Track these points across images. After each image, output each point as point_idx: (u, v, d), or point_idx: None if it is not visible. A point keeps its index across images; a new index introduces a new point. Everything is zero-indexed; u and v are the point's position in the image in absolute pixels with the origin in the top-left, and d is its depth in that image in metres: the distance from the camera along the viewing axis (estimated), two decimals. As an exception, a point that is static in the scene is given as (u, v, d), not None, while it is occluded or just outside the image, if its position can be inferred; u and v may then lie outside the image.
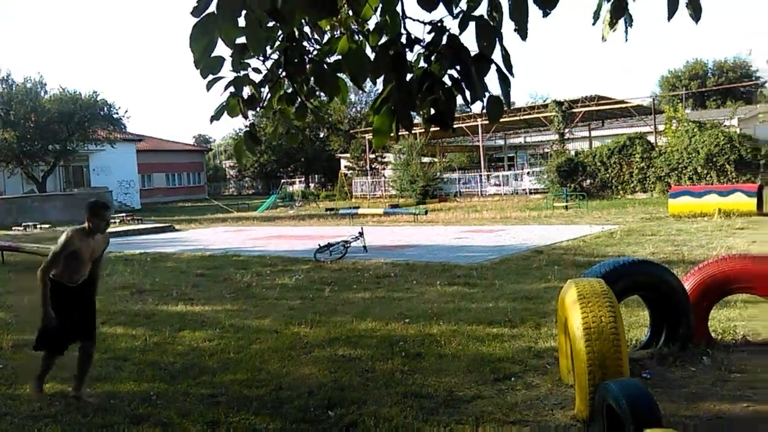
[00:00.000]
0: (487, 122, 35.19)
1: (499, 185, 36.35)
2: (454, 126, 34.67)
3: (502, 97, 2.26)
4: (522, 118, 35.47)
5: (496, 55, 2.20)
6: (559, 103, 32.42)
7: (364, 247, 13.26)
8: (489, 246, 13.85)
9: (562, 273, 9.25)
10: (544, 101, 37.01)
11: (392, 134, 2.31)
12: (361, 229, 14.06)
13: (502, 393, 4.64)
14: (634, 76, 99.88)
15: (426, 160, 39.75)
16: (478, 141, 37.65)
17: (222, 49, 2.36)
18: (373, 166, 43.97)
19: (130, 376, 5.43)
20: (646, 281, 5.13)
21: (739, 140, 26.28)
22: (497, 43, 2.19)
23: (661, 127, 30.87)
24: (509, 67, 2.22)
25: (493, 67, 2.22)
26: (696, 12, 2.36)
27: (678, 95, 40.01)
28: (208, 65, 2.42)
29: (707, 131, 26.99)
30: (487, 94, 2.27)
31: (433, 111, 2.29)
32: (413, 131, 24.05)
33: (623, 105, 33.55)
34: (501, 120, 31.41)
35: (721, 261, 5.47)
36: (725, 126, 28.85)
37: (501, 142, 45.37)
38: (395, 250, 13.71)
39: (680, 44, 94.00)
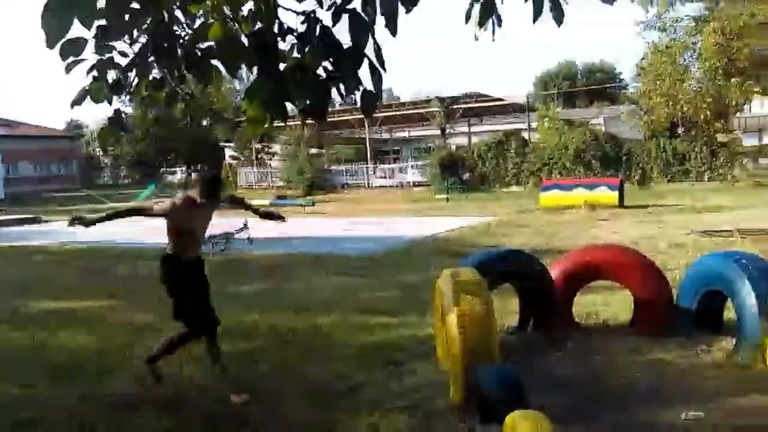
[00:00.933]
0: (375, 115, 35.55)
1: (385, 177, 36.84)
2: (343, 119, 34.77)
3: (374, 91, 2.28)
4: (406, 112, 36.20)
5: (369, 50, 2.22)
6: (442, 100, 33.38)
7: (249, 238, 12.98)
8: (376, 237, 14.03)
9: (443, 263, 9.50)
10: (428, 97, 37.92)
11: (266, 124, 2.27)
12: (245, 220, 13.74)
13: (388, 380, 4.73)
14: (512, 76, 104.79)
15: (314, 151, 39.55)
16: (365, 134, 37.98)
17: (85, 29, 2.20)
18: (259, 156, 43.11)
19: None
20: (517, 270, 5.41)
21: (604, 138, 28.32)
22: (370, 37, 2.21)
23: (534, 125, 32.61)
24: (381, 61, 2.25)
25: (366, 61, 2.24)
26: (558, 16, 2.50)
27: (550, 94, 42.43)
28: (66, 47, 2.26)
29: (576, 129, 28.86)
30: (361, 88, 2.28)
31: (307, 102, 2.28)
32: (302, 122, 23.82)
33: (501, 103, 35.11)
34: (387, 114, 31.77)
35: (584, 251, 5.87)
36: (592, 124, 30.98)
37: (387, 135, 45.99)
38: (282, 242, 13.53)
39: (554, 46, 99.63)
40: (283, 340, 5.87)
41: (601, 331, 5.74)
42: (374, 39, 2.23)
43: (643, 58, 24.39)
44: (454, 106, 33.44)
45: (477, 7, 2.55)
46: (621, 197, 17.88)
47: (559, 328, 5.51)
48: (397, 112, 36.60)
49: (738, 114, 30.85)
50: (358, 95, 2.32)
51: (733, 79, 21.75)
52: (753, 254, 5.66)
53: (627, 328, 5.64)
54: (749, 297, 4.65)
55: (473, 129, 38.73)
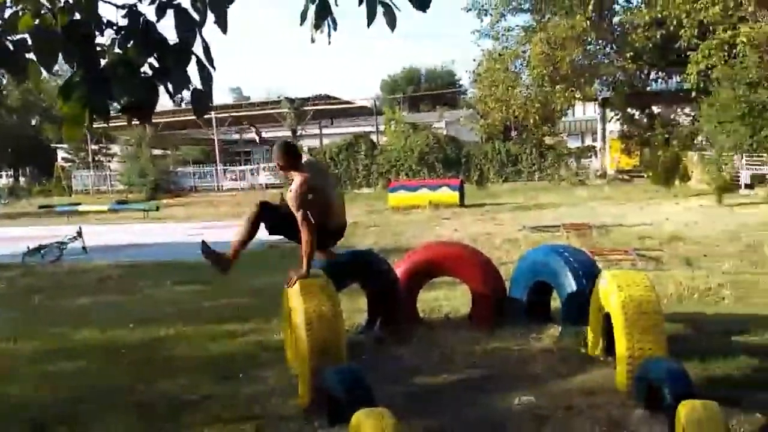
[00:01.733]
0: (221, 115, 34.53)
1: (237, 180, 35.95)
2: (191, 118, 33.35)
3: (204, 90, 2.21)
4: (256, 113, 35.55)
5: (198, 47, 2.14)
6: (291, 101, 33.21)
7: (84, 247, 12.07)
8: (224, 242, 13.49)
9: (295, 266, 9.47)
10: (279, 98, 37.55)
11: (86, 123, 2.10)
12: (80, 228, 12.75)
13: (231, 391, 4.59)
14: (360, 79, 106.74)
15: (157, 152, 37.57)
16: (213, 134, 36.75)
17: None
18: (96, 158, 40.17)
19: None
20: (363, 270, 5.51)
21: (446, 141, 29.77)
22: (198, 34, 2.13)
23: (382, 128, 33.49)
24: (210, 59, 2.18)
25: (194, 59, 2.16)
26: (391, 21, 2.57)
27: (396, 98, 43.82)
28: None
29: (420, 132, 30.05)
30: (191, 87, 2.19)
31: (132, 100, 2.15)
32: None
33: (350, 105, 35.65)
34: (236, 114, 30.89)
35: (425, 248, 6.11)
36: (435, 128, 32.42)
37: (237, 136, 44.89)
38: (121, 250, 12.72)
39: (400, 51, 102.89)
40: (117, 357, 5.48)
41: (443, 325, 5.99)
42: (202, 36, 2.15)
43: (479, 65, 25.88)
44: (304, 108, 33.39)
45: (312, 8, 2.56)
46: (461, 197, 18.87)
47: (405, 324, 5.69)
48: (248, 112, 35.82)
49: (563, 118, 33.80)
50: (188, 94, 2.23)
51: (557, 86, 23.75)
52: (574, 247, 6.21)
53: (466, 321, 5.95)
54: (572, 287, 5.09)
55: (324, 131, 38.94)
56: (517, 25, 25.68)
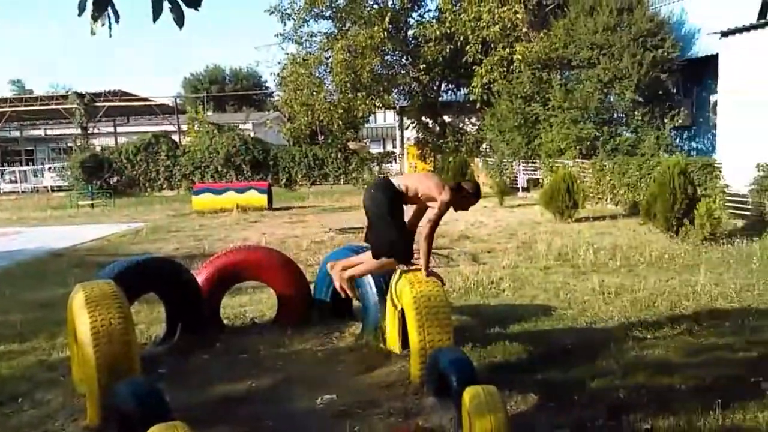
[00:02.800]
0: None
1: (17, 182, 32.22)
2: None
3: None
4: (40, 108, 32.11)
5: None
6: (81, 95, 30.53)
7: None
8: (2, 251, 12.11)
9: (84, 276, 8.70)
10: (67, 92, 34.23)
11: None
12: None
13: (6, 418, 4.11)
14: (161, 76, 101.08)
15: None
16: (-15, 131, 32.52)
17: None
18: None
19: None
20: (158, 278, 5.26)
21: (253, 143, 29.38)
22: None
23: (185, 127, 32.12)
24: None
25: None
26: (179, 18, 2.49)
27: (200, 97, 42.29)
28: None
29: (225, 133, 29.32)
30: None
31: None
32: None
33: (147, 103, 33.67)
34: (16, 109, 27.66)
35: (230, 253, 5.99)
36: (241, 129, 31.82)
37: (17, 133, 40.17)
38: None
39: (201, 48, 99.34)
40: None
41: (249, 330, 5.94)
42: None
43: (283, 68, 25.91)
44: (96, 104, 30.87)
45: (90, -1, 2.40)
46: (270, 200, 18.77)
47: (208, 331, 5.53)
48: (30, 107, 32.20)
49: (366, 124, 35.06)
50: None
51: (359, 93, 24.58)
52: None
53: (272, 325, 5.94)
54: (370, 285, 5.32)
55: (120, 129, 36.33)
56: (319, 32, 26.06)
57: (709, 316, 5.81)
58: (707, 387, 4.15)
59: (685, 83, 17.56)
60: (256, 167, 28.75)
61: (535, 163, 19.07)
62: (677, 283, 7.17)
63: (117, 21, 2.47)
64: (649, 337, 5.33)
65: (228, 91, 52.76)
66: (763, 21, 11.29)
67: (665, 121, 16.31)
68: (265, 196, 18.58)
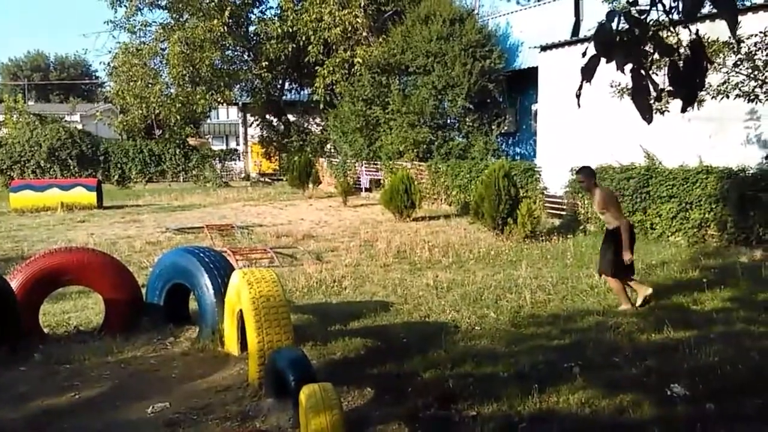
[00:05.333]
0: None
1: None
2: None
3: None
4: None
5: None
6: None
7: None
8: None
9: None
10: None
11: None
12: None
13: None
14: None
15: None
16: None
17: None
18: None
19: None
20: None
21: (80, 136, 27.20)
22: None
23: (1, 117, 28.97)
24: None
25: None
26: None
27: (20, 85, 38.33)
28: None
29: (49, 125, 26.88)
30: None
31: None
32: None
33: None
34: None
35: (48, 255, 5.52)
36: (67, 121, 29.33)
37: None
38: None
39: (20, 33, 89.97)
40: None
41: (73, 339, 5.54)
42: None
43: (114, 58, 24.28)
44: None
45: None
46: (100, 198, 17.50)
47: (23, 340, 5.07)
48: None
49: (207, 120, 33.88)
50: None
51: (198, 87, 23.70)
52: (209, 247, 6.30)
53: (99, 332, 5.58)
54: (207, 287, 5.18)
55: None
56: (154, 21, 24.72)
57: (529, 308, 6.35)
58: (526, 374, 4.54)
59: (510, 92, 18.97)
60: (84, 162, 26.65)
61: (376, 164, 19.59)
62: (502, 278, 7.75)
63: None
64: (476, 328, 5.72)
65: (52, 79, 48.38)
66: (575, 38, 12.51)
67: (493, 127, 17.52)
68: (94, 194, 17.27)
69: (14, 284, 5.15)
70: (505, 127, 17.95)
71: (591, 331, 5.53)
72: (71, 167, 26.29)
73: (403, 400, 4.14)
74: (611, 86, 9.76)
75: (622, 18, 2.46)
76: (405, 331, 5.70)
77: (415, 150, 17.63)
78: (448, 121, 18.43)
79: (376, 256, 9.44)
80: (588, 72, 2.53)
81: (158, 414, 3.95)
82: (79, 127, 29.76)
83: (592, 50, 2.47)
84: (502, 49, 18.37)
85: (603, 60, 2.46)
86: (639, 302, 6.16)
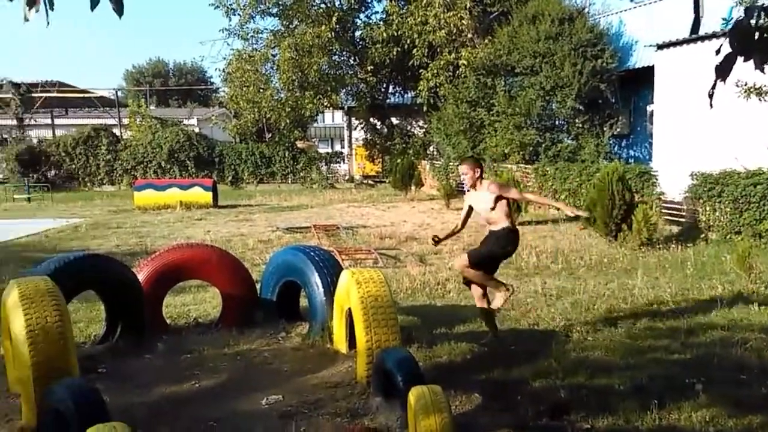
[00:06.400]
0: None
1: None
2: None
3: None
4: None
5: None
6: (16, 85, 29.28)
7: None
8: None
9: (18, 272, 8.36)
10: (1, 81, 32.72)
11: None
12: None
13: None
14: (101, 68, 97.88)
15: None
16: None
17: None
18: None
19: None
20: (98, 276, 5.08)
21: (197, 138, 28.79)
22: None
23: (126, 121, 31.21)
24: None
25: None
26: (118, 7, 2.40)
27: (142, 91, 41.17)
28: None
29: (169, 128, 28.64)
30: None
31: None
32: None
33: (87, 95, 32.55)
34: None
35: (171, 251, 5.85)
36: (185, 125, 31.14)
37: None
38: None
39: (144, 41, 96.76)
40: None
41: (192, 330, 5.83)
42: None
43: (229, 64, 25.49)
44: (32, 94, 29.66)
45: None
46: (215, 197, 18.44)
47: (149, 331, 5.40)
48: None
49: (314, 124, 34.86)
50: None
51: (306, 92, 24.43)
52: (319, 247, 6.47)
53: (216, 325, 5.84)
54: (318, 285, 5.30)
55: (58, 121, 34.97)
56: (266, 28, 25.73)
57: (646, 319, 6.02)
58: (644, 388, 4.30)
59: (623, 93, 18.17)
60: (200, 164, 28.20)
61: (480, 166, 19.34)
62: (616, 287, 7.41)
63: (51, 8, 2.36)
64: (589, 339, 5.49)
65: (171, 85, 51.57)
66: (695, 36, 11.80)
67: (604, 129, 16.83)
68: (210, 194, 18.24)
69: (140, 277, 5.49)
70: (618, 129, 17.20)
71: (714, 346, 5.17)
72: (189, 168, 27.88)
73: (512, 409, 4.04)
74: (737, 86, 9.10)
75: (762, 14, 2.29)
76: (513, 338, 5.57)
77: (521, 152, 17.26)
78: (557, 122, 17.90)
79: (481, 259, 9.29)
80: (723, 71, 2.37)
81: (272, 406, 4.08)
82: (196, 130, 31.52)
83: (726, 48, 2.31)
84: (615, 48, 17.62)
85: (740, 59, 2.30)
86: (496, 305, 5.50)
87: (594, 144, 16.36)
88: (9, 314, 3.79)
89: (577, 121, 17.15)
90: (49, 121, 34.19)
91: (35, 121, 32.47)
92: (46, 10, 2.29)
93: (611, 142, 17.34)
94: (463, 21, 20.96)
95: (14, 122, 30.46)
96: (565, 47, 16.96)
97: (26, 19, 2.28)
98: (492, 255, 5.44)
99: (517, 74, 18.36)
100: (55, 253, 10.04)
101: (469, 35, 21.53)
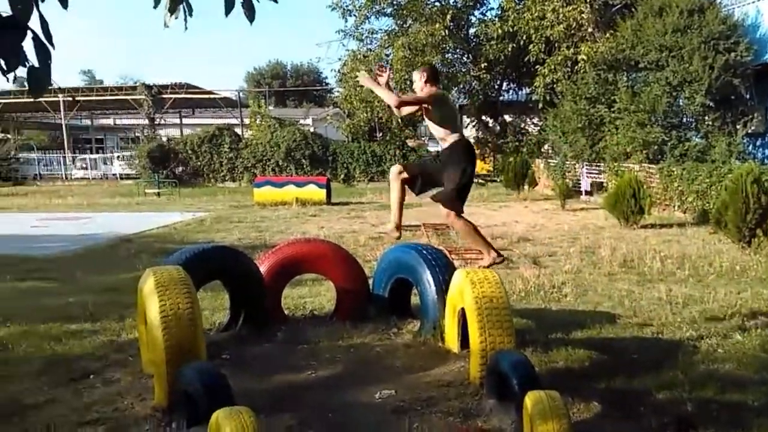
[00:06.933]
0: (70, 98, 32.09)
1: (87, 169, 33.59)
2: (36, 100, 30.59)
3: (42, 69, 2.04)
4: (110, 98, 33.38)
5: (35, 23, 1.98)
6: (149, 87, 31.60)
7: None
8: (72, 235, 12.67)
9: (151, 261, 9.02)
10: (135, 83, 35.46)
11: None
12: None
13: (78, 393, 4.29)
14: (224, 69, 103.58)
15: (-4, 136, 34.16)
16: (60, 119, 34.02)
17: None
18: None
19: None
20: (224, 266, 5.36)
21: (312, 138, 29.74)
22: (35, 8, 1.96)
23: (247, 121, 32.78)
24: (48, 36, 2.01)
25: (30, 36, 1.98)
26: (250, 13, 2.52)
27: (262, 92, 43.12)
28: None
29: (287, 128, 29.78)
30: (27, 65, 2.02)
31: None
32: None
33: (211, 96, 34.51)
34: (87, 99, 28.87)
35: (290, 245, 6.06)
36: (301, 124, 32.27)
37: (88, 122, 41.88)
38: (-52, 242, 11.45)
39: (264, 43, 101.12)
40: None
41: (308, 321, 6.00)
42: (39, 11, 1.99)
43: (344, 65, 26.09)
44: (163, 95, 31.89)
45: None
46: (328, 194, 18.97)
47: (269, 321, 5.63)
48: (101, 97, 33.52)
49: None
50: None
51: (418, 91, 24.49)
52: (432, 245, 6.47)
53: (331, 317, 5.99)
54: (430, 283, 5.29)
55: (185, 121, 37.41)
56: (380, 29, 26.15)
57: (784, 332, 5.53)
58: (782, 405, 3.96)
59: (759, 89, 16.77)
60: (315, 162, 29.10)
61: (599, 166, 18.60)
62: (749, 296, 6.86)
63: (191, 14, 2.51)
64: (719, 350, 5.12)
65: (289, 86, 53.56)
66: None
67: (737, 127, 15.63)
68: (324, 191, 18.79)
69: (262, 269, 5.73)
70: (753, 127, 15.90)
71: None
72: (304, 166, 28.87)
73: (635, 419, 3.84)
74: None
75: None
76: (635, 346, 5.29)
77: (644, 151, 16.40)
78: (684, 119, 16.83)
79: (599, 263, 8.93)
80: None
81: (385, 400, 4.12)
82: (312, 129, 32.57)
83: None
84: (750, 41, 16.26)
85: None
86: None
87: (726, 143, 15.22)
88: (145, 300, 4.08)
89: (706, 118, 16.05)
90: (177, 120, 36.66)
91: (165, 120, 34.89)
92: (185, 16, 2.43)
93: (745, 141, 16.06)
94: (583, 15, 20.24)
95: (146, 122, 32.86)
96: (695, 40, 15.90)
97: (166, 25, 2.43)
98: (457, 185, 5.13)
99: (641, 69, 17.44)
100: (183, 244, 10.72)
101: (590, 29, 20.75)
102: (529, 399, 3.29)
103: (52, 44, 2.03)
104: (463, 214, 5.30)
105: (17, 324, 5.95)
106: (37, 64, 2.03)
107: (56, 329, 5.80)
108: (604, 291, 7.32)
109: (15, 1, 1.91)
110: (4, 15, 1.95)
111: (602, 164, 18.30)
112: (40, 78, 2.04)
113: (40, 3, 2.01)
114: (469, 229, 5.30)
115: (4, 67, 1.98)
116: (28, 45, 1.98)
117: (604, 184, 17.73)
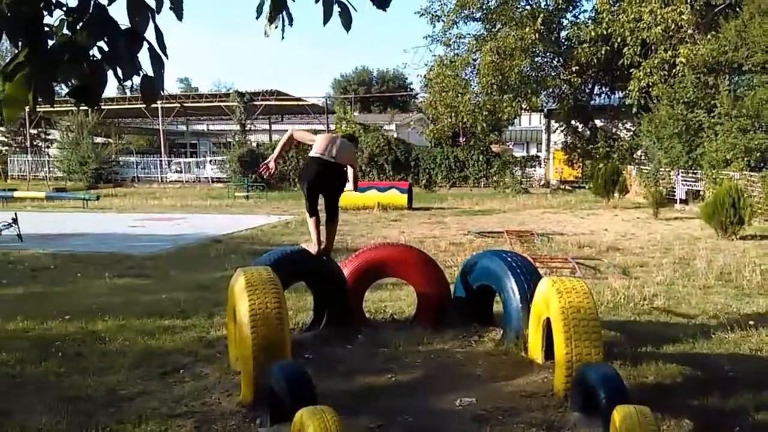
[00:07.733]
0: (168, 105, 33.78)
1: (181, 172, 35.20)
2: (135, 106, 32.43)
3: (155, 78, 2.15)
4: (204, 105, 34.91)
5: (150, 34, 2.09)
6: (241, 94, 32.77)
7: (19, 235, 11.60)
8: (166, 235, 13.32)
9: (239, 261, 9.34)
10: (228, 90, 36.96)
11: (28, 105, 2.02)
12: (15, 215, 12.24)
13: (169, 386, 4.49)
14: (312, 76, 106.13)
15: (99, 140, 36.44)
16: (159, 124, 35.90)
17: None
18: (35, 142, 38.61)
19: None
20: (309, 268, 5.48)
21: (396, 143, 29.91)
22: (150, 20, 2.07)
23: (333, 126, 33.38)
24: (163, 46, 2.12)
25: (146, 46, 2.10)
26: (347, 22, 2.56)
27: (347, 98, 43.82)
28: None
29: (371, 133, 30.11)
30: (141, 73, 2.13)
31: (78, 84, 2.07)
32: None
33: (300, 103, 35.39)
34: (184, 105, 30.23)
35: (373, 249, 6.11)
36: (385, 130, 32.55)
37: (183, 127, 43.95)
38: (58, 240, 12.27)
39: (351, 50, 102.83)
40: (48, 350, 5.27)
41: (388, 325, 6.03)
42: (155, 22, 2.10)
43: (430, 70, 26.09)
44: (254, 102, 33.01)
45: (268, 2, 2.53)
46: (410, 200, 19.00)
47: (351, 323, 5.69)
48: (196, 104, 35.09)
49: (510, 127, 34.43)
50: (138, 81, 2.16)
51: (505, 95, 24.18)
52: (517, 253, 6.35)
53: (411, 322, 5.99)
54: (514, 291, 5.19)
55: (274, 127, 38.55)
56: (468, 33, 26.02)
57: None
58: None
59: None
60: (397, 167, 29.25)
61: (695, 173, 17.69)
62: None
63: (291, 24, 2.58)
64: (829, 372, 4.73)
65: (374, 92, 54.11)
66: None
67: None
68: (405, 196, 18.84)
69: (345, 272, 5.81)
70: None
71: None
72: (386, 171, 29.08)
73: (732, 441, 3.61)
74: None
75: None
76: (731, 363, 4.98)
77: (745, 158, 15.46)
78: (792, 126, 15.76)
79: (694, 275, 8.48)
80: None
81: (466, 408, 4.07)
82: (395, 135, 32.79)
83: None
84: None
85: None
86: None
87: (839, 150, 14.13)
88: (236, 298, 4.22)
89: (816, 124, 14.96)
90: (266, 126, 37.78)
91: (255, 126, 36.06)
92: (283, 26, 2.50)
93: None
94: (683, 16, 19.34)
95: (238, 127, 34.08)
96: (806, 40, 14.88)
97: (266, 35, 2.51)
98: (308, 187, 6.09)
99: (745, 72, 16.50)
100: (270, 246, 11.02)
101: (689, 31, 19.81)
102: (618, 414, 3.15)
103: (166, 54, 2.15)
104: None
105: (114, 318, 6.30)
106: (150, 73, 2.15)
107: (150, 324, 6.10)
108: (698, 304, 6.94)
109: (134, 14, 2.03)
110: (123, 27, 2.08)
111: (699, 172, 17.39)
112: (153, 86, 2.16)
113: (156, 15, 2.12)
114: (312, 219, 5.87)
115: (121, 76, 2.10)
116: (142, 54, 2.10)
117: (701, 193, 16.84)
